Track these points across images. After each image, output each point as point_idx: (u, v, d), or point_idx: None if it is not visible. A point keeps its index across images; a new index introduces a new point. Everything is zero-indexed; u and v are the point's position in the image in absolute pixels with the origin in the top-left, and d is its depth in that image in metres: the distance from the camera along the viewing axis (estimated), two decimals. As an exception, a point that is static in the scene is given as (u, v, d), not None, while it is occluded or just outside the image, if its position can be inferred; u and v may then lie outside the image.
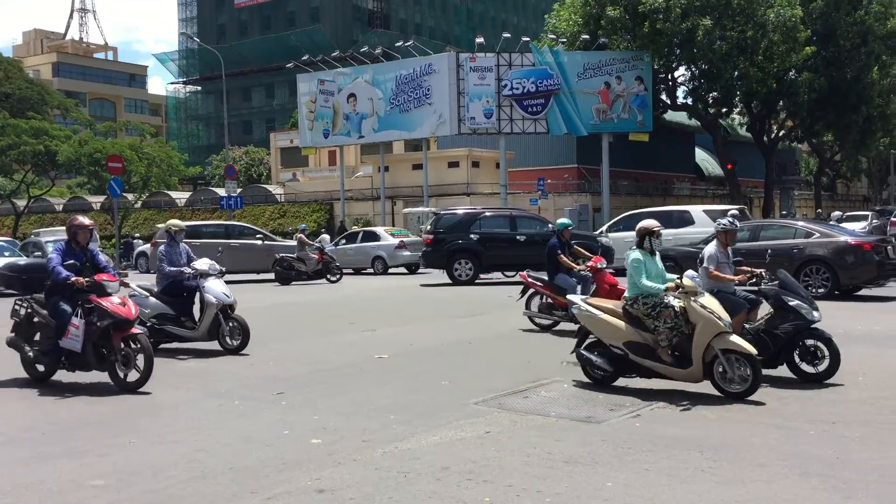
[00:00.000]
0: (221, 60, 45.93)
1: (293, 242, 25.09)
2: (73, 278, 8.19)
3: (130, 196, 50.34)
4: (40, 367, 8.82)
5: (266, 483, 5.37)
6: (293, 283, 22.84)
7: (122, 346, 8.20)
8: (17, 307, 8.89)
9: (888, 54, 41.66)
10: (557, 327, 12.05)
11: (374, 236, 27.40)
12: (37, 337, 8.85)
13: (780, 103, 43.25)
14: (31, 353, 8.68)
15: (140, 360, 8.22)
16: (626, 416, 6.93)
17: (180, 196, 56.76)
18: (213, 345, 10.80)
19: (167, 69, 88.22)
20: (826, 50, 39.59)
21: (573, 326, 10.42)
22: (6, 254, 25.04)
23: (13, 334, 8.92)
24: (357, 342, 11.61)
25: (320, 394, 8.16)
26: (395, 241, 26.50)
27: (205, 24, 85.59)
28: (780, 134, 47.59)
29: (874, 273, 15.16)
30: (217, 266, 10.85)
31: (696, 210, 22.40)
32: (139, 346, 8.24)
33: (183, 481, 5.46)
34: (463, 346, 11.07)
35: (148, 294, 10.78)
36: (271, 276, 23.80)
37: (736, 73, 37.20)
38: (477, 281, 20.86)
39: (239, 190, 40.73)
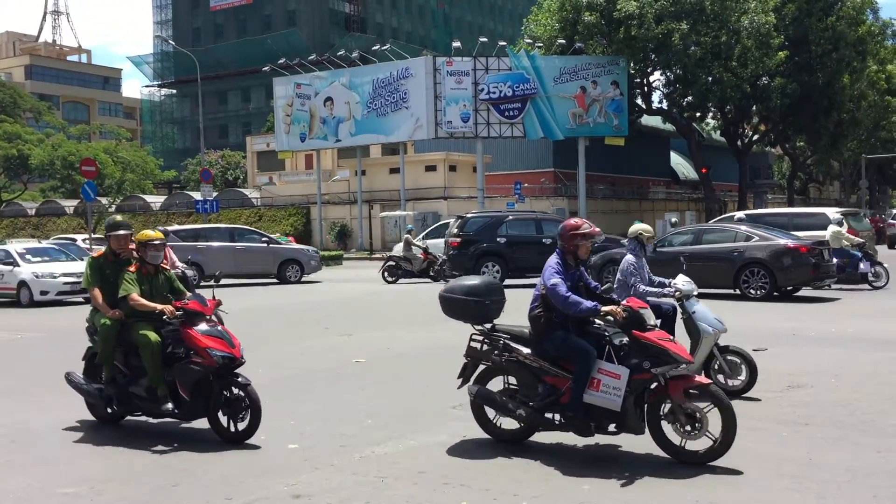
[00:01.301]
0: (197, 64, 45.66)
1: (297, 245, 25.69)
2: (603, 309, 5.86)
3: (104, 200, 49.87)
4: (507, 425, 6.36)
5: (242, 489, 5.33)
6: (401, 280, 23.42)
7: (686, 399, 5.72)
8: (474, 343, 6.44)
9: (859, 60, 42.28)
10: None
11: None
12: (497, 382, 6.39)
13: (754, 108, 43.75)
14: (521, 411, 6.06)
15: (713, 420, 5.68)
16: (603, 419, 6.94)
17: (155, 200, 56.30)
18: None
19: (142, 72, 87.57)
20: (798, 55, 40.11)
21: None
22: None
23: (465, 380, 6.42)
24: (334, 347, 11.56)
25: (297, 399, 8.11)
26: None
27: (180, 28, 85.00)
28: (754, 138, 48.12)
29: (810, 275, 15.72)
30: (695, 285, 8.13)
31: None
32: (710, 399, 5.70)
33: (156, 488, 5.40)
34: (441, 350, 11.05)
35: None
36: (274, 280, 24.33)
37: (710, 78, 37.57)
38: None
39: (215, 194, 40.45)
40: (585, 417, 5.84)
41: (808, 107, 41.01)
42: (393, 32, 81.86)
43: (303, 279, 24.40)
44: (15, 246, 23.03)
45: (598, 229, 6.33)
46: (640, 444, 6.11)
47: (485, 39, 41.55)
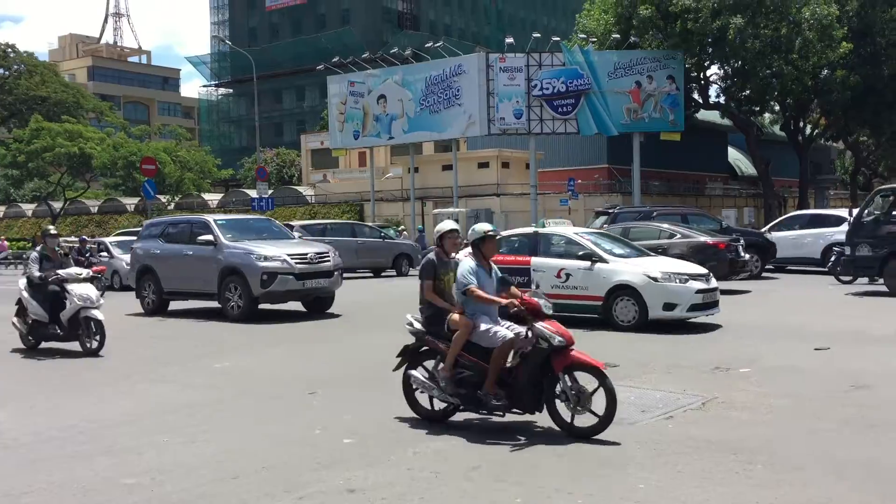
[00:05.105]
0: (253, 63, 46.30)
1: (403, 240, 27.44)
2: None
3: (164, 198, 50.99)
4: None
5: (298, 482, 5.39)
6: None
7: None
8: None
9: (926, 51, 40.90)
10: None
11: None
12: None
13: (815, 101, 42.68)
14: None
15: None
16: (659, 418, 6.87)
17: (212, 198, 57.41)
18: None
19: (200, 72, 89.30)
20: (862, 47, 39.01)
21: None
22: None
23: None
24: (389, 343, 11.62)
25: (352, 394, 8.19)
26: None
27: (236, 28, 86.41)
28: (815, 132, 46.95)
29: (727, 269, 16.67)
30: None
31: (209, 218, 26.80)
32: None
33: (215, 480, 5.51)
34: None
35: None
36: (391, 272, 25.89)
37: (770, 71, 36.75)
38: None
39: (270, 191, 41.04)
40: None
41: (871, 100, 39.89)
42: (446, 29, 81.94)
43: (409, 272, 25.64)
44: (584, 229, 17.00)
45: None
46: (702, 436, 6.03)
47: (538, 35, 41.28)
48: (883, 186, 18.22)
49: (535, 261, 12.83)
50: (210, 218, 16.21)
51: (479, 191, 43.90)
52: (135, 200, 56.51)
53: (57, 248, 11.79)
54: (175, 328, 14.22)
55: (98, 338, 10.94)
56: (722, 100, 42.39)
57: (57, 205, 56.42)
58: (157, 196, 41.55)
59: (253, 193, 42.13)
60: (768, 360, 9.41)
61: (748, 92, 39.25)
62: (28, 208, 64.77)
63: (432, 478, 5.42)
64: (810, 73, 37.13)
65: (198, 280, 15.13)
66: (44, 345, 11.62)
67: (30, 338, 11.55)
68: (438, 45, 42.26)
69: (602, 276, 12.19)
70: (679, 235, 17.47)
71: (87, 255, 21.66)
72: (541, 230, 14.08)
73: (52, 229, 12.08)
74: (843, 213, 22.03)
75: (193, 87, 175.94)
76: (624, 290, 12.01)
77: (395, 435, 6.49)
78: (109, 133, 54.97)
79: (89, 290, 11.12)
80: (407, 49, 44.23)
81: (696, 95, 42.65)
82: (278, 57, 78.84)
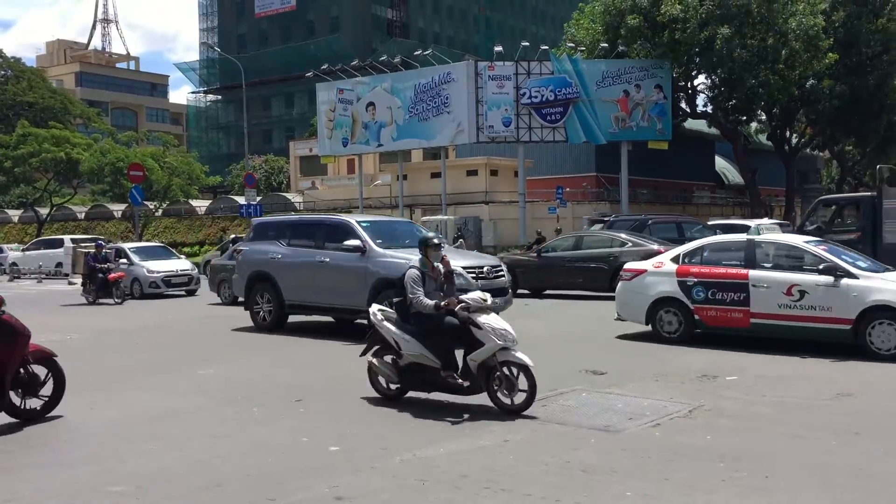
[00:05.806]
0: (242, 70, 46.22)
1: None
2: None
3: (151, 204, 50.76)
4: None
5: (284, 490, 5.37)
6: None
7: None
8: None
9: (911, 61, 41.27)
10: None
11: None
12: None
13: (801, 111, 43.00)
14: None
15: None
16: (646, 426, 6.87)
17: (200, 204, 57.16)
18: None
19: (189, 79, 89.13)
20: (848, 58, 39.32)
21: None
22: None
23: None
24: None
25: (339, 401, 8.15)
26: None
27: (225, 34, 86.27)
28: (801, 142, 47.28)
29: None
30: None
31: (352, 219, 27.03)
32: None
33: (200, 488, 5.47)
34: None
35: None
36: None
37: (756, 81, 36.99)
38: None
39: (258, 198, 40.95)
40: None
41: (857, 109, 40.22)
42: (435, 37, 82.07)
43: None
44: None
45: None
46: (689, 443, 6.04)
47: (527, 44, 41.40)
48: (824, 196, 18.32)
49: (755, 274, 10.83)
50: (353, 219, 13.53)
51: (468, 198, 43.94)
52: (122, 206, 56.21)
53: (437, 264, 8.07)
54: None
55: (527, 390, 7.38)
56: (709, 109, 42.63)
57: (43, 211, 56.06)
58: (145, 202, 41.40)
59: (241, 200, 42.05)
60: (755, 368, 9.45)
61: (735, 101, 39.47)
62: (14, 214, 64.31)
63: (419, 485, 5.40)
64: (796, 82, 37.39)
65: (337, 292, 12.64)
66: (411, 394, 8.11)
67: (398, 385, 8.04)
68: (427, 52, 42.32)
69: (852, 294, 10.08)
70: (630, 244, 17.69)
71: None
72: (757, 238, 11.88)
73: (435, 237, 8.34)
74: (748, 222, 22.49)
75: (182, 93, 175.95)
76: (883, 312, 9.90)
77: (381, 442, 6.47)
78: (97, 139, 54.77)
79: (503, 322, 7.69)
80: (396, 57, 44.30)
81: (683, 104, 42.86)
82: (267, 64, 78.72)
